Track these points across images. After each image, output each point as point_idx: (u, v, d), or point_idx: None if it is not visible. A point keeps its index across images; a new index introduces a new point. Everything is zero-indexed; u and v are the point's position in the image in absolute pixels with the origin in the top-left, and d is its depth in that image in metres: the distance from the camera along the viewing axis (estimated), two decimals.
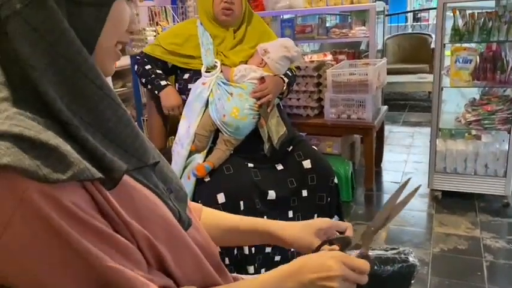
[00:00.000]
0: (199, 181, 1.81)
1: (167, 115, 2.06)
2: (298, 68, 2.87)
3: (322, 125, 2.92)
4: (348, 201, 2.88)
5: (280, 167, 1.91)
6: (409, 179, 0.86)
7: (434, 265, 2.18)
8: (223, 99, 1.83)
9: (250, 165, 1.85)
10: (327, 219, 0.89)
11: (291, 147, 1.96)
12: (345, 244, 0.74)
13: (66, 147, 0.51)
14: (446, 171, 2.79)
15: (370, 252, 0.74)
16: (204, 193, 1.77)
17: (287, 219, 1.87)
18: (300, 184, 1.89)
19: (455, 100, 2.99)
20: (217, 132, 1.88)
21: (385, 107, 3.31)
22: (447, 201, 2.82)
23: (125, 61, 2.80)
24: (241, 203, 1.72)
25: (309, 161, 1.90)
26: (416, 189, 0.79)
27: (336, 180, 1.95)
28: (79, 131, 0.53)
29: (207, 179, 1.80)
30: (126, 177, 0.59)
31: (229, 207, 1.65)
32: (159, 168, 0.70)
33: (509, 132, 2.56)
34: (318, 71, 2.93)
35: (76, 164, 0.50)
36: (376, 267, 0.74)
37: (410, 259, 0.77)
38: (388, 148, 3.85)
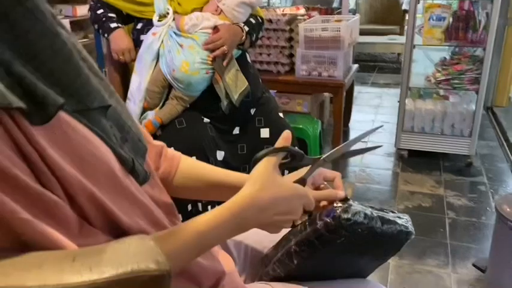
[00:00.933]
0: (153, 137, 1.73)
1: (123, 63, 1.90)
2: (269, 21, 2.77)
3: (293, 82, 2.85)
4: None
5: (236, 131, 1.81)
6: (381, 126, 0.92)
7: None
8: (173, 51, 1.68)
9: (206, 120, 1.75)
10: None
11: (255, 110, 1.84)
12: (298, 159, 0.71)
13: None
14: (413, 131, 2.81)
15: (374, 212, 0.73)
16: None
17: None
18: (252, 151, 1.81)
19: (425, 61, 2.98)
20: (171, 87, 1.73)
21: (356, 65, 3.27)
22: (413, 160, 2.86)
23: (86, 10, 2.61)
24: (194, 158, 1.65)
25: (267, 130, 1.80)
26: (376, 147, 0.88)
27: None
28: None
29: (159, 133, 1.71)
30: (63, 115, 0.50)
31: None
32: (115, 114, 0.61)
33: (477, 93, 2.58)
34: (290, 25, 2.83)
35: None
36: (378, 226, 0.72)
37: (410, 227, 0.76)
38: (356, 108, 3.85)
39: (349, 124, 3.49)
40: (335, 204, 0.72)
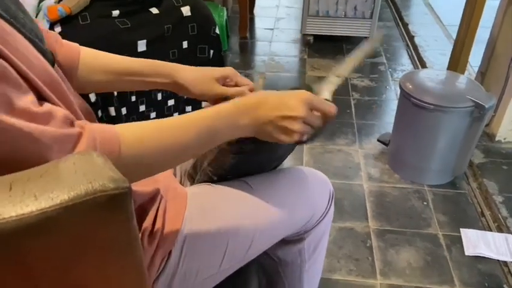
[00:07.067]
0: None
1: None
2: None
3: None
4: (223, 50, 2.78)
5: (155, 10, 1.67)
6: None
7: None
8: None
9: (115, 13, 1.58)
10: (230, 68, 0.82)
11: None
12: None
13: None
14: (318, 15, 2.80)
15: None
16: None
17: None
18: (178, 33, 1.70)
19: None
20: None
21: None
22: (318, 46, 2.90)
23: None
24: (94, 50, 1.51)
25: (188, 7, 1.70)
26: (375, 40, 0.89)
27: (217, 31, 1.81)
28: None
29: (57, 30, 1.51)
30: None
31: None
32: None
33: None
34: None
35: None
36: None
37: None
38: None
39: (253, 11, 3.37)
40: None
